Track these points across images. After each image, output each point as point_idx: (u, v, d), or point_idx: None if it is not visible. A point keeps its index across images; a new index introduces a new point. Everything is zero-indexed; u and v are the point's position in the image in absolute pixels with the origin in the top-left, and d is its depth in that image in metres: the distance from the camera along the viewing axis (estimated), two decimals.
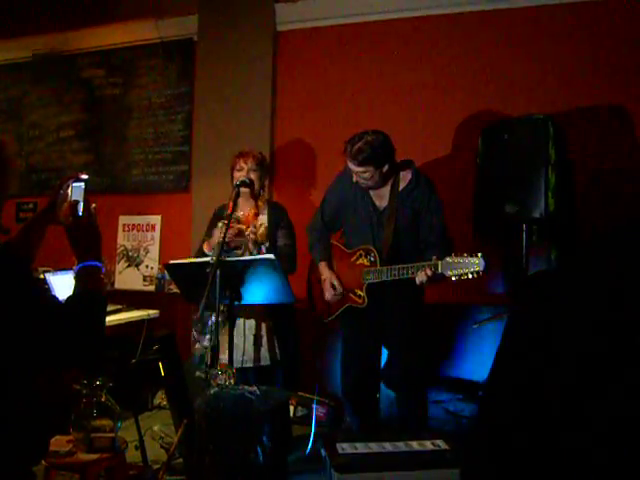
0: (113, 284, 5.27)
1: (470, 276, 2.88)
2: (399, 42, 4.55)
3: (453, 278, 2.92)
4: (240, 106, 4.83)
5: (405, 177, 3.32)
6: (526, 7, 4.23)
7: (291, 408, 4.22)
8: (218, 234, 3.21)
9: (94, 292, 1.69)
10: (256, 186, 3.47)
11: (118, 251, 5.33)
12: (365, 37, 4.64)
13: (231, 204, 3.12)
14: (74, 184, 1.84)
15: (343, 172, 3.45)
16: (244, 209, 3.51)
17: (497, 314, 3.84)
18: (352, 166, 3.20)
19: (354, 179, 3.26)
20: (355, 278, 3.35)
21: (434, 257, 2.99)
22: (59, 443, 2.57)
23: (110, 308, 4.10)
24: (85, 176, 1.86)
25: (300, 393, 4.27)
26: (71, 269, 3.91)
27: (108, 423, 2.53)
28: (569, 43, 4.12)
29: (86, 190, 1.81)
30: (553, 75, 4.14)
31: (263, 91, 4.83)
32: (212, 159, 4.83)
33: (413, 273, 3.06)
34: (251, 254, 3.31)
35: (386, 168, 3.21)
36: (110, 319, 3.92)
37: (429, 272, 2.98)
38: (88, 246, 1.73)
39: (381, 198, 3.34)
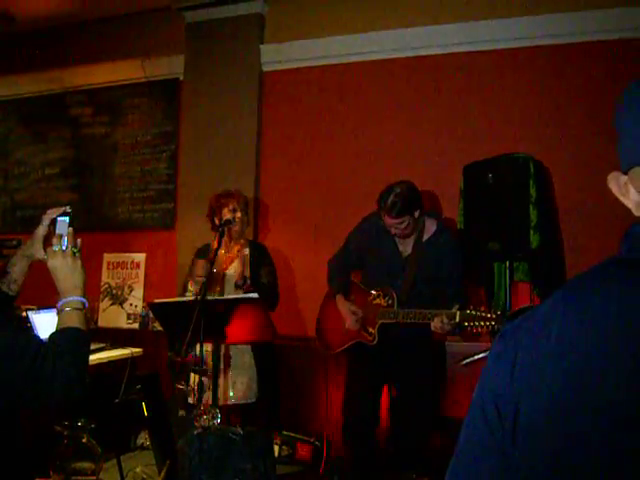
0: (97, 322, 5.22)
1: (485, 330, 2.91)
2: (381, 82, 4.62)
3: (469, 329, 2.95)
4: (225, 145, 4.87)
5: (429, 228, 3.39)
6: (509, 48, 4.31)
7: (275, 447, 4.18)
8: (200, 272, 3.22)
9: (77, 328, 1.65)
10: (239, 225, 3.52)
11: (102, 289, 5.30)
12: (348, 77, 4.72)
13: (214, 243, 3.14)
14: (59, 218, 1.82)
15: (369, 217, 3.52)
16: (226, 248, 3.54)
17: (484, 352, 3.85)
18: (388, 219, 3.26)
19: (391, 231, 3.32)
20: (370, 317, 3.38)
21: (456, 306, 3.02)
22: None
23: (93, 346, 4.06)
24: (69, 210, 1.83)
25: (286, 432, 4.23)
26: (54, 307, 3.88)
27: (90, 465, 2.49)
28: (552, 82, 4.20)
29: (71, 224, 1.79)
30: (535, 113, 4.21)
31: (248, 130, 4.88)
32: (197, 197, 4.84)
33: (429, 319, 3.08)
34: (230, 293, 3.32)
35: (417, 214, 3.29)
36: (93, 358, 3.88)
37: (445, 320, 2.99)
38: (72, 281, 1.69)
39: (405, 244, 3.40)
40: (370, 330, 3.36)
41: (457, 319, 2.97)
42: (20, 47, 5.69)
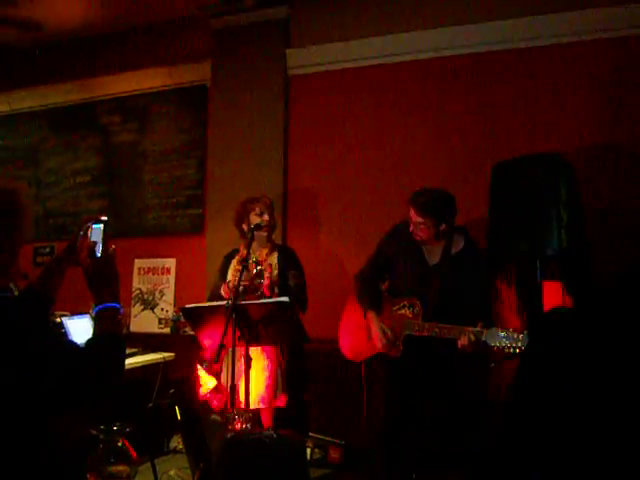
0: (128, 327, 5.28)
1: (511, 351, 2.86)
2: (410, 83, 4.61)
3: (495, 349, 2.90)
4: (253, 150, 4.91)
5: (458, 242, 3.36)
6: (537, 47, 4.28)
7: (307, 450, 4.18)
8: (233, 277, 3.25)
9: (113, 334, 1.69)
10: (270, 229, 3.54)
11: (133, 294, 5.37)
12: (376, 80, 4.71)
13: (242, 248, 3.17)
14: (94, 226, 1.85)
15: (400, 224, 3.49)
16: (255, 252, 3.56)
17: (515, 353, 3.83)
18: (413, 215, 3.26)
19: (410, 228, 3.31)
20: (395, 327, 3.34)
21: (480, 324, 2.99)
22: None
23: (125, 351, 4.12)
24: (104, 218, 1.86)
25: (318, 435, 4.23)
26: (88, 313, 3.96)
27: (125, 469, 2.52)
28: (580, 81, 4.16)
29: (105, 232, 1.82)
30: (565, 112, 4.17)
31: (275, 135, 4.91)
32: (225, 202, 4.88)
33: (456, 335, 3.04)
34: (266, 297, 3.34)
35: (444, 226, 3.26)
36: (126, 362, 3.93)
37: (472, 337, 2.96)
38: (106, 288, 1.72)
39: (433, 256, 3.37)
40: (396, 342, 3.32)
41: (483, 337, 2.94)
42: (50, 58, 5.80)
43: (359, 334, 3.50)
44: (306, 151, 4.88)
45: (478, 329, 2.96)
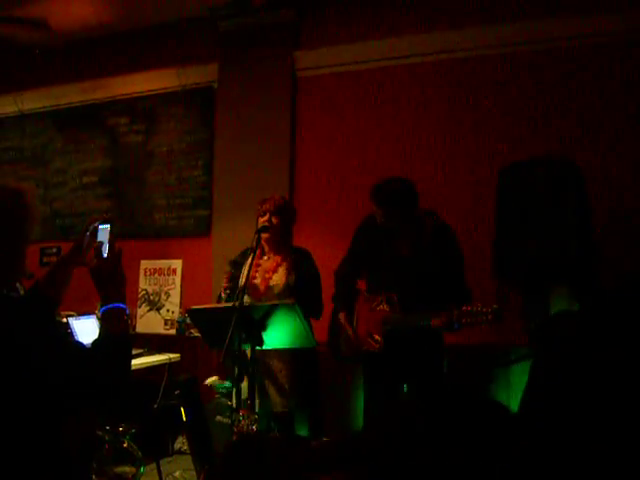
0: (134, 328, 5.29)
1: (484, 325, 2.98)
2: (417, 85, 4.61)
3: (464, 322, 3.03)
4: (260, 151, 4.91)
5: (427, 226, 3.36)
6: (544, 49, 4.28)
7: None
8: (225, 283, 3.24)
9: (120, 334, 1.69)
10: (280, 231, 3.47)
11: (139, 295, 5.37)
12: (384, 81, 4.71)
13: (252, 250, 3.15)
14: (100, 226, 1.86)
15: (368, 217, 3.48)
16: (269, 254, 3.52)
17: (523, 356, 3.83)
18: (377, 209, 3.27)
19: (378, 220, 3.31)
20: (375, 323, 3.35)
21: (451, 306, 3.07)
22: None
23: (132, 352, 4.12)
24: (111, 218, 1.88)
25: (324, 439, 4.22)
26: (94, 313, 3.95)
27: (130, 469, 2.52)
28: (586, 83, 4.15)
29: (111, 232, 1.82)
30: (573, 115, 4.17)
31: (283, 136, 4.91)
32: (232, 204, 4.89)
33: (426, 320, 3.13)
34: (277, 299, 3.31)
35: (409, 214, 3.26)
36: (131, 363, 3.94)
37: (444, 319, 3.06)
38: (113, 288, 1.72)
39: (404, 245, 3.36)
40: (377, 338, 3.33)
41: (454, 317, 3.03)
42: (58, 59, 5.83)
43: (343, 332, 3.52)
44: (313, 152, 4.88)
45: (448, 311, 3.05)
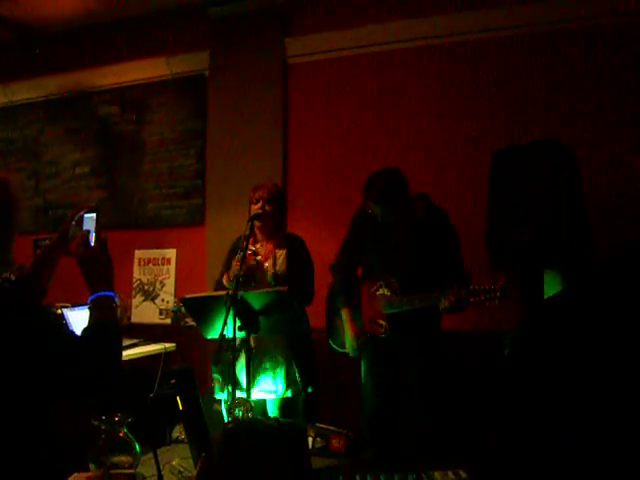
0: (129, 318, 5.29)
1: (489, 302, 2.96)
2: (410, 71, 4.60)
3: (473, 300, 3.05)
4: (252, 139, 4.89)
5: (420, 210, 3.38)
6: (533, 33, 4.27)
7: (310, 440, 4.18)
8: (235, 267, 3.23)
9: (109, 321, 1.71)
10: (273, 218, 3.47)
11: (134, 285, 5.36)
12: (375, 67, 4.70)
13: (245, 238, 3.15)
14: (86, 215, 1.86)
15: (361, 207, 3.50)
16: (262, 242, 3.52)
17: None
18: (370, 204, 3.29)
19: (378, 217, 3.33)
20: (376, 308, 3.38)
21: (455, 286, 3.08)
22: None
23: (127, 342, 4.12)
24: (96, 206, 1.88)
25: (319, 425, 4.23)
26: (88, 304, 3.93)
27: (127, 459, 2.51)
28: (580, 67, 4.14)
29: (97, 220, 1.82)
30: (563, 99, 4.16)
31: (275, 123, 4.89)
32: (225, 192, 4.88)
33: (434, 301, 3.14)
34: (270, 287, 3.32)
35: (401, 201, 3.27)
36: (127, 353, 3.94)
37: (453, 299, 3.06)
38: (100, 276, 1.74)
39: (399, 230, 3.38)
40: (380, 322, 3.35)
41: (462, 297, 3.05)
42: (47, 49, 5.78)
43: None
44: (306, 139, 4.87)
45: (455, 290, 3.06)
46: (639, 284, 0.80)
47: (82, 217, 1.85)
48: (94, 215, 1.83)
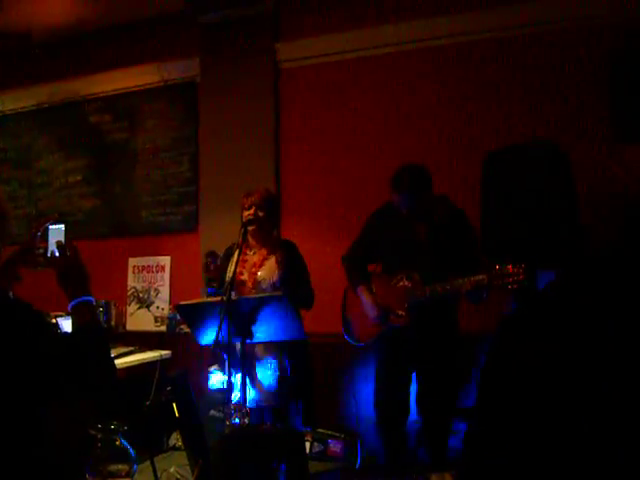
0: (124, 326, 5.28)
1: (516, 285, 3.00)
2: (401, 73, 4.61)
3: (497, 283, 3.04)
4: (244, 144, 4.89)
5: (440, 209, 3.45)
6: (529, 33, 4.27)
7: (307, 444, 4.19)
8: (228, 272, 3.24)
9: (91, 324, 1.76)
10: (265, 224, 3.46)
11: (129, 293, 5.35)
12: (366, 70, 4.71)
13: (238, 245, 3.15)
14: (51, 227, 1.89)
15: (384, 205, 3.57)
16: (255, 248, 3.51)
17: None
18: (396, 196, 3.34)
19: (403, 210, 3.38)
20: (396, 299, 3.40)
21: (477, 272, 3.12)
22: None
23: (122, 350, 4.11)
24: (61, 218, 1.92)
25: (317, 429, 4.24)
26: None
27: (124, 467, 2.52)
28: (574, 68, 4.16)
29: (66, 232, 1.86)
30: (560, 100, 4.17)
31: (267, 129, 4.89)
32: (219, 198, 4.88)
33: (459, 287, 3.15)
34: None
35: (426, 196, 3.35)
36: (123, 361, 3.92)
37: (475, 284, 3.10)
38: (79, 283, 1.80)
39: (420, 228, 3.44)
40: (400, 312, 3.37)
41: (486, 281, 3.06)
42: (38, 57, 5.77)
43: (363, 316, 3.53)
44: (298, 144, 4.88)
45: (478, 276, 3.10)
46: (614, 280, 0.80)
47: (47, 228, 1.88)
48: (62, 227, 1.87)
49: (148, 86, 5.40)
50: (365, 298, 3.50)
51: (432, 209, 3.43)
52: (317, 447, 4.25)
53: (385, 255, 3.58)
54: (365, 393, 4.07)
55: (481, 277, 3.08)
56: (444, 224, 3.40)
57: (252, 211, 3.41)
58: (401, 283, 3.41)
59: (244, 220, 3.37)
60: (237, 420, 2.61)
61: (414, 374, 3.49)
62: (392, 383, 3.47)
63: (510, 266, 3.04)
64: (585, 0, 4.05)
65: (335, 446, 4.23)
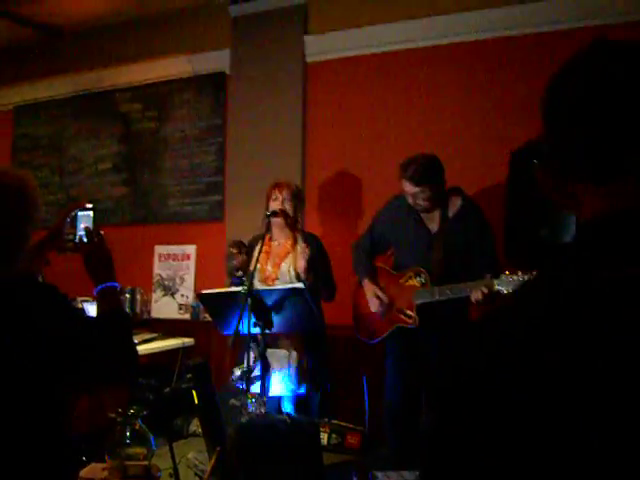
0: (149, 313, 5.35)
1: None
2: (428, 69, 4.59)
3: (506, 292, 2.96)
4: (272, 136, 4.92)
5: (455, 203, 3.37)
6: (552, 31, 4.23)
7: (325, 436, 4.20)
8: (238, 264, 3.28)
9: (116, 309, 1.83)
10: (291, 216, 3.49)
11: (154, 280, 5.42)
12: (394, 66, 4.69)
13: (262, 235, 3.17)
14: (80, 213, 1.93)
15: (396, 196, 3.51)
16: (279, 239, 3.54)
17: None
18: (409, 188, 3.27)
19: (410, 200, 3.32)
20: (405, 299, 3.37)
21: (488, 276, 3.04)
22: (94, 471, 2.61)
23: (146, 336, 4.18)
24: (91, 205, 1.98)
25: (335, 421, 4.25)
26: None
27: (142, 451, 2.56)
28: None
29: (94, 219, 1.92)
30: None
31: (294, 121, 4.91)
32: (245, 189, 4.91)
33: (467, 292, 3.09)
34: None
35: (439, 189, 3.28)
36: (146, 347, 4.00)
37: (485, 290, 3.01)
38: (105, 269, 1.85)
39: (432, 222, 3.39)
40: (409, 313, 3.34)
41: (495, 286, 2.99)
42: (72, 46, 5.86)
43: (372, 313, 3.51)
44: (324, 137, 4.88)
45: (488, 281, 3.00)
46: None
47: (76, 214, 1.93)
48: (91, 213, 1.91)
49: (178, 76, 5.45)
50: (367, 289, 3.46)
51: (444, 203, 3.34)
52: (335, 439, 4.26)
53: (395, 249, 3.54)
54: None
55: (490, 283, 3.00)
56: (457, 220, 3.32)
57: (279, 202, 3.45)
58: (410, 282, 3.36)
59: (269, 210, 3.40)
60: (254, 409, 2.64)
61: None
62: (402, 381, 3.45)
63: (520, 272, 2.96)
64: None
65: (353, 438, 4.24)
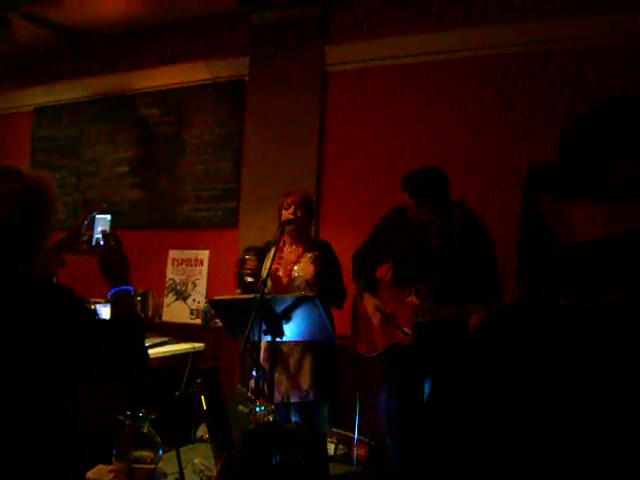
0: (161, 317, 5.37)
1: None
2: (446, 82, 4.59)
3: None
4: (288, 145, 4.93)
5: (457, 217, 3.33)
6: (571, 46, 4.22)
7: (332, 446, 4.20)
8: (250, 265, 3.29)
9: (129, 312, 1.83)
10: (303, 223, 3.51)
11: (167, 284, 5.45)
12: (413, 77, 4.70)
13: (274, 243, 3.18)
14: (98, 216, 1.96)
15: (398, 206, 3.47)
16: (291, 246, 3.56)
17: None
18: (409, 201, 3.25)
19: (410, 214, 3.30)
20: (404, 315, 3.34)
21: (491, 300, 2.99)
22: (101, 472, 2.61)
23: (157, 340, 4.19)
24: (108, 208, 2.01)
25: (342, 431, 4.24)
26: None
27: (149, 454, 2.56)
28: (614, 81, 4.09)
29: (111, 222, 1.94)
30: None
31: (311, 130, 4.92)
32: (260, 196, 4.92)
33: (464, 314, 3.05)
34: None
35: (442, 203, 3.24)
36: (157, 351, 4.01)
37: (484, 315, 2.95)
38: (120, 272, 1.86)
39: (434, 235, 3.35)
40: (406, 330, 3.32)
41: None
42: (92, 51, 5.93)
43: (373, 325, 3.49)
44: (341, 147, 4.89)
45: (489, 305, 2.95)
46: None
47: (94, 217, 1.95)
48: (109, 217, 1.94)
49: (197, 82, 5.49)
50: (367, 303, 3.43)
51: (447, 216, 3.30)
52: (342, 449, 4.25)
53: (394, 262, 3.51)
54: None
55: (490, 307, 2.92)
56: (459, 234, 3.26)
57: (291, 210, 3.47)
58: (409, 299, 3.32)
59: (283, 219, 3.42)
60: (261, 417, 2.64)
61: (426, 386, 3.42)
62: (401, 396, 3.39)
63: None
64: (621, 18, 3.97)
65: (360, 450, 4.23)
